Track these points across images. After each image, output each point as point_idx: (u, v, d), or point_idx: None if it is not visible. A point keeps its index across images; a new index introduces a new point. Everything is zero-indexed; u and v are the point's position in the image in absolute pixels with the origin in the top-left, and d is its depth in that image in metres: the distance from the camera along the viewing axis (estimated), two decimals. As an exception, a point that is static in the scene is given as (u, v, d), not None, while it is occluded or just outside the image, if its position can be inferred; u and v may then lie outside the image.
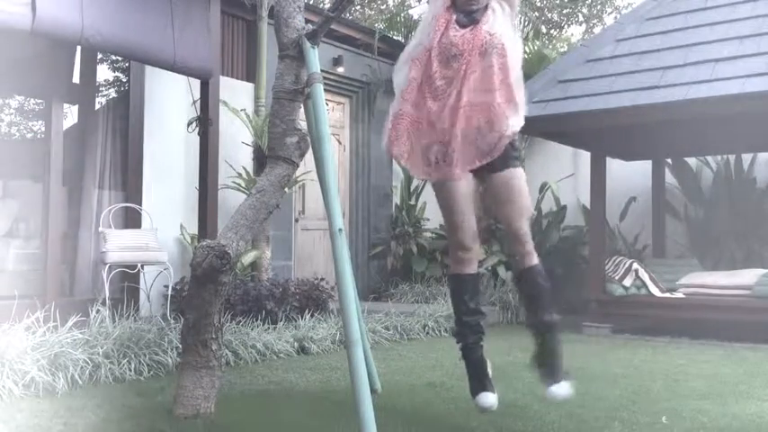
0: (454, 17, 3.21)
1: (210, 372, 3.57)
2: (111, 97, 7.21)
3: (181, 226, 6.90)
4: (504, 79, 3.11)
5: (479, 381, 3.21)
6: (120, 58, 6.95)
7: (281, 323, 5.93)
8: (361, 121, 9.47)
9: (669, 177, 8.89)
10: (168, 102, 6.96)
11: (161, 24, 5.37)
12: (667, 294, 7.23)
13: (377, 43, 9.10)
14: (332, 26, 4.33)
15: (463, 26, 3.17)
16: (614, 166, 8.52)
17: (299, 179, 7.38)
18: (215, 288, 3.50)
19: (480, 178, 3.26)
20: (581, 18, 16.48)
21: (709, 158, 8.78)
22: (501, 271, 8.76)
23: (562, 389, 3.08)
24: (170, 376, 4.43)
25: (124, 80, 7.08)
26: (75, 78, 6.59)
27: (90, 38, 4.82)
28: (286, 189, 3.87)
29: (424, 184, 8.87)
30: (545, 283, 3.25)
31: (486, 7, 3.21)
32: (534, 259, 3.23)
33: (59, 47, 6.00)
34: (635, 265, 7.36)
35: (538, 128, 7.33)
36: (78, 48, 6.31)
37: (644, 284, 7.30)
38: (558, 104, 6.98)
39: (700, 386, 4.40)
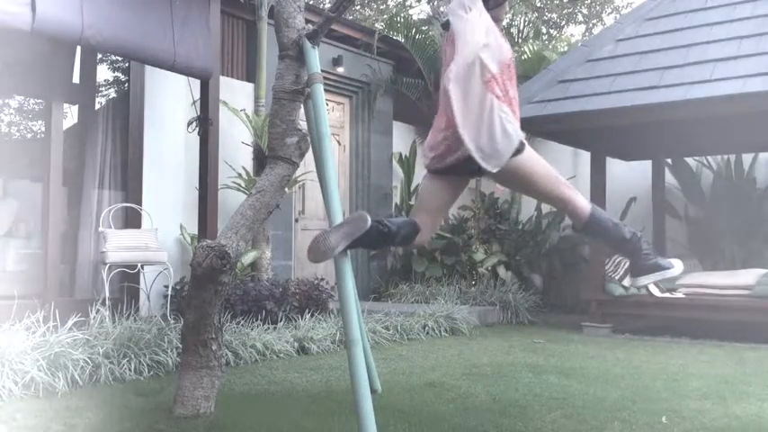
0: None
1: (210, 372, 3.57)
2: (111, 97, 7.21)
3: (181, 226, 6.90)
4: None
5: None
6: (120, 58, 6.94)
7: (281, 323, 5.93)
8: (361, 120, 9.47)
9: (669, 177, 8.89)
10: (168, 102, 6.96)
11: (161, 24, 5.37)
12: (667, 294, 7.23)
13: (377, 43, 9.10)
14: (332, 26, 4.33)
15: None
16: (614, 167, 8.53)
17: (299, 179, 7.39)
18: (215, 288, 3.50)
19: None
20: (581, 18, 16.49)
21: (710, 158, 8.78)
22: (501, 271, 8.78)
23: (675, 268, 3.30)
24: (170, 376, 4.43)
25: (124, 80, 7.08)
26: (76, 78, 6.59)
27: (90, 38, 4.82)
28: (286, 189, 3.87)
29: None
30: (605, 226, 3.26)
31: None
32: (582, 213, 3.20)
33: (59, 47, 5.99)
34: (635, 266, 7.35)
35: (538, 128, 7.33)
36: (78, 48, 6.31)
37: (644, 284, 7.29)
38: (558, 104, 6.98)
39: (700, 386, 4.40)
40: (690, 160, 8.80)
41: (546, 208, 9.47)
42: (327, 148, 3.43)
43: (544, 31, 14.12)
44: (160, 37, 5.35)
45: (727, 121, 6.79)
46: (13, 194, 6.52)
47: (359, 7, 16.36)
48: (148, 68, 6.60)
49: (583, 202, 3.20)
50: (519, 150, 3.03)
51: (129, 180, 6.71)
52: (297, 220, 8.49)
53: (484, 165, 2.98)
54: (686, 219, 8.81)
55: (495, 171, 3.00)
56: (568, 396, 4.08)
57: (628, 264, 3.46)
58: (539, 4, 15.33)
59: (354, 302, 3.13)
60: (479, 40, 3.01)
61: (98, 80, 7.03)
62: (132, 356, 4.51)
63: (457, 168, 3.15)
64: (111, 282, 5.95)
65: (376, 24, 14.31)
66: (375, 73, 9.33)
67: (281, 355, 5.33)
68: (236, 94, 7.49)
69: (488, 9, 3.14)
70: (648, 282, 3.36)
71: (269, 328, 5.68)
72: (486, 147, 2.97)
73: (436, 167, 3.19)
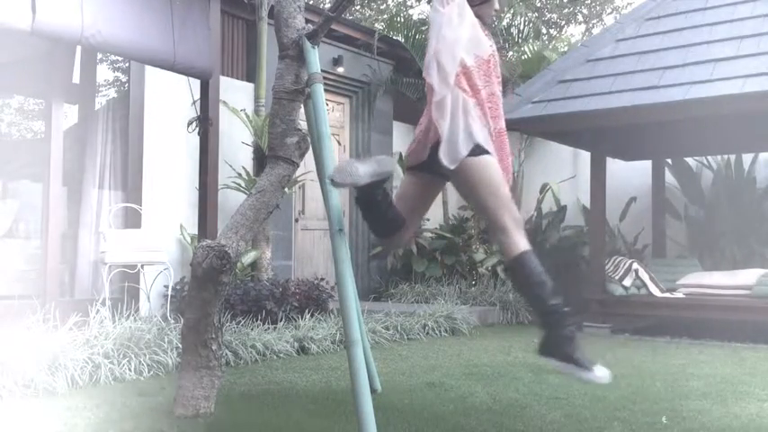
0: None
1: (210, 372, 3.57)
2: (111, 97, 7.22)
3: (181, 226, 6.90)
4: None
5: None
6: (120, 58, 6.95)
7: (281, 323, 5.93)
8: (361, 120, 9.47)
9: (669, 177, 8.89)
10: (168, 102, 6.96)
11: (161, 24, 5.37)
12: (667, 294, 7.23)
13: (377, 43, 9.10)
14: (332, 26, 4.33)
15: None
16: (614, 166, 8.52)
17: (299, 179, 7.39)
18: (215, 288, 3.50)
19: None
20: (581, 18, 16.50)
21: (710, 158, 8.78)
22: (501, 271, 8.77)
23: (597, 373, 2.86)
24: (170, 376, 4.43)
25: (124, 80, 7.08)
26: (76, 78, 6.59)
27: (90, 38, 4.81)
28: (286, 189, 3.87)
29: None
30: (533, 278, 2.94)
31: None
32: (514, 249, 2.94)
33: (59, 47, 6.00)
34: (635, 265, 7.36)
35: (538, 128, 7.33)
36: (78, 48, 6.31)
37: (644, 284, 7.30)
38: (558, 104, 6.99)
39: (700, 386, 4.40)
40: (690, 160, 8.80)
41: (545, 208, 9.48)
42: (327, 148, 3.43)
43: (544, 31, 14.12)
44: (160, 37, 5.35)
45: (727, 121, 6.80)
46: (13, 194, 6.53)
47: (359, 7, 16.36)
48: (148, 68, 6.61)
49: (522, 242, 2.94)
50: (476, 152, 2.97)
51: (129, 180, 6.71)
52: (297, 220, 8.49)
53: (442, 158, 2.98)
54: (686, 219, 8.81)
55: (451, 167, 2.98)
56: (568, 396, 4.08)
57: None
58: (539, 4, 15.33)
59: (354, 302, 3.13)
60: (451, 35, 3.01)
61: (98, 80, 7.03)
62: (132, 356, 4.51)
63: (428, 165, 3.17)
64: (111, 282, 5.95)
65: (376, 24, 14.32)
66: (375, 73, 9.33)
67: (281, 355, 5.33)
68: (236, 94, 7.49)
69: (473, 5, 3.14)
70: (554, 366, 2.94)
71: (269, 328, 5.68)
72: (448, 140, 2.98)
73: (414, 163, 3.27)
